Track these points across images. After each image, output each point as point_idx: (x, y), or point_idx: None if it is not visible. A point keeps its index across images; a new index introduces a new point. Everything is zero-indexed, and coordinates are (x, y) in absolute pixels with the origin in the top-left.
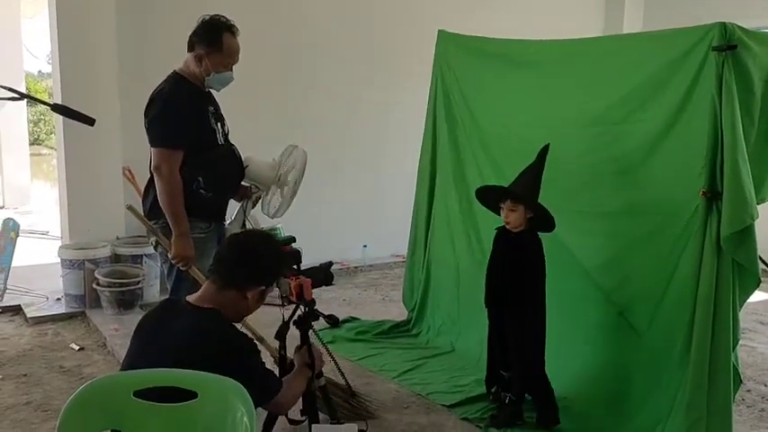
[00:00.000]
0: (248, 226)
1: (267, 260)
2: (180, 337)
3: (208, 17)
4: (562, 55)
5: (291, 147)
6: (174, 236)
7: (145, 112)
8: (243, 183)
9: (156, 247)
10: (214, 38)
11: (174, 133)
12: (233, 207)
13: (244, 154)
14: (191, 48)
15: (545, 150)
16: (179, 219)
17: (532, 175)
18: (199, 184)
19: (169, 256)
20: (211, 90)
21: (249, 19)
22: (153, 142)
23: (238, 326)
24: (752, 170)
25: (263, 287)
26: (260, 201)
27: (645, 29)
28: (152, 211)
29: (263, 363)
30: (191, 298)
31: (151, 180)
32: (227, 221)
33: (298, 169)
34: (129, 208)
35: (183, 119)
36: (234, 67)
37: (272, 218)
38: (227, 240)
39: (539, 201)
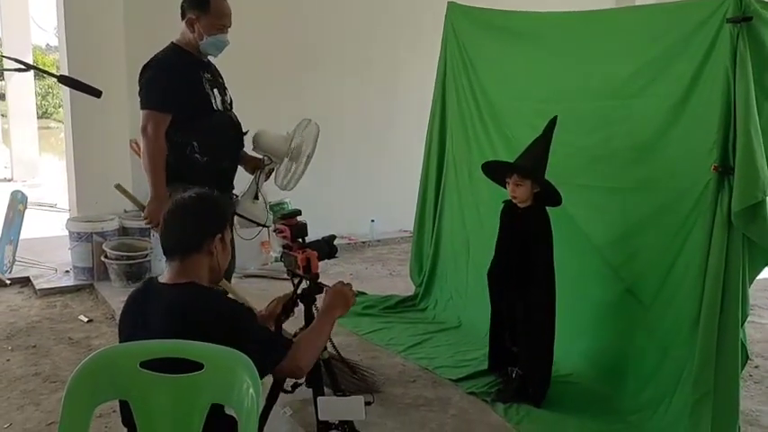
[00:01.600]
0: (260, 198)
1: (207, 210)
2: (164, 320)
3: None
4: (575, 27)
5: (305, 121)
6: (150, 197)
7: (138, 79)
8: (256, 155)
9: None
10: (201, 1)
11: (162, 96)
12: (245, 179)
13: (256, 128)
14: (182, 15)
15: (552, 123)
16: (157, 182)
17: (539, 149)
18: (193, 148)
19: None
20: (211, 57)
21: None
22: (142, 105)
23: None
24: (764, 145)
25: (220, 234)
26: (273, 173)
27: (657, 1)
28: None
29: (262, 326)
30: (163, 278)
31: None
32: (240, 194)
33: (310, 143)
34: (117, 186)
35: (173, 83)
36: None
37: (284, 189)
38: (164, 220)
39: (546, 175)
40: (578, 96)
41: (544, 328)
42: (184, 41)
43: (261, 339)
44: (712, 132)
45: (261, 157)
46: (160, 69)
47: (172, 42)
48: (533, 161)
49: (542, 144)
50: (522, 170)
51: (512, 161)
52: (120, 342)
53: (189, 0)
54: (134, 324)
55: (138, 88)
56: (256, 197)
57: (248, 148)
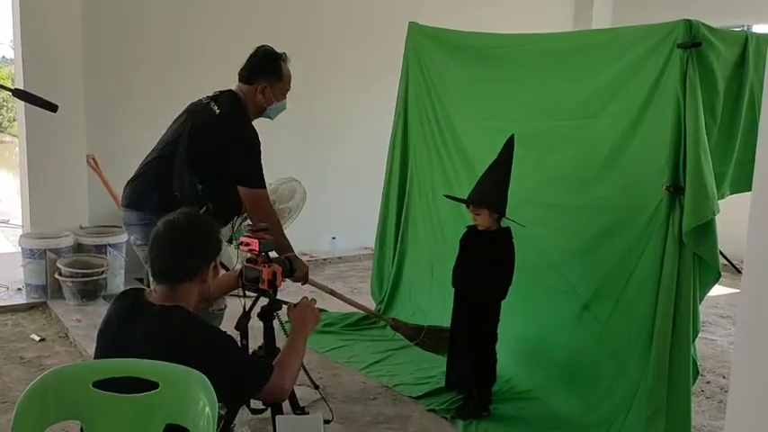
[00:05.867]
0: (233, 244)
1: (201, 236)
2: (149, 348)
3: (261, 49)
4: (534, 49)
5: (295, 183)
6: (294, 258)
7: (215, 132)
8: None
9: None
10: (275, 68)
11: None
12: None
13: None
14: (249, 81)
15: (510, 143)
16: (289, 245)
17: (494, 175)
18: (208, 209)
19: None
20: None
21: (218, 17)
22: (254, 183)
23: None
24: (713, 166)
25: (214, 263)
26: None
27: (614, 25)
28: (139, 198)
29: (244, 352)
30: (151, 297)
31: (144, 170)
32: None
33: (294, 207)
34: (90, 163)
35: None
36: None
37: None
38: (155, 242)
39: (506, 194)
40: (538, 116)
41: (492, 346)
42: (251, 106)
43: (245, 365)
44: (664, 153)
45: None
46: (257, 143)
47: (240, 100)
48: (487, 190)
49: (498, 169)
50: (475, 203)
51: (473, 183)
52: (95, 357)
53: (261, 68)
54: (113, 344)
55: (232, 152)
56: (231, 240)
57: None
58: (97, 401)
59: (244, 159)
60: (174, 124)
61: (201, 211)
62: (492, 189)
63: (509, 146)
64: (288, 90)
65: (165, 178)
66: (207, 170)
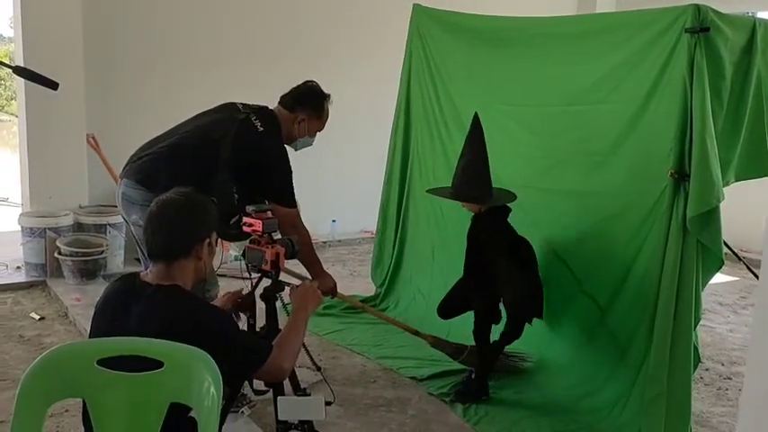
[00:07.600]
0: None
1: (196, 213)
2: (146, 324)
3: (310, 83)
4: (539, 32)
5: None
6: (321, 272)
7: (260, 151)
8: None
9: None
10: (318, 105)
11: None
12: None
13: None
14: (291, 108)
15: (477, 123)
16: (318, 260)
17: (471, 160)
18: (240, 219)
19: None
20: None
21: None
22: (291, 203)
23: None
24: (719, 153)
25: (209, 239)
26: None
27: (617, 10)
28: (154, 179)
29: (242, 331)
30: (146, 277)
31: (165, 153)
32: None
33: None
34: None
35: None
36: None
37: None
38: (149, 222)
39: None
40: (543, 101)
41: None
42: (284, 131)
43: (244, 344)
44: (669, 139)
45: None
46: (289, 164)
47: (277, 120)
48: (465, 180)
49: (471, 155)
50: (455, 198)
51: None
52: (91, 329)
53: (305, 101)
54: (110, 325)
55: (269, 173)
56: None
57: None
58: (101, 379)
59: (284, 180)
60: (205, 118)
61: (233, 221)
62: (470, 178)
63: (477, 125)
64: (321, 130)
65: (192, 172)
66: (247, 184)
